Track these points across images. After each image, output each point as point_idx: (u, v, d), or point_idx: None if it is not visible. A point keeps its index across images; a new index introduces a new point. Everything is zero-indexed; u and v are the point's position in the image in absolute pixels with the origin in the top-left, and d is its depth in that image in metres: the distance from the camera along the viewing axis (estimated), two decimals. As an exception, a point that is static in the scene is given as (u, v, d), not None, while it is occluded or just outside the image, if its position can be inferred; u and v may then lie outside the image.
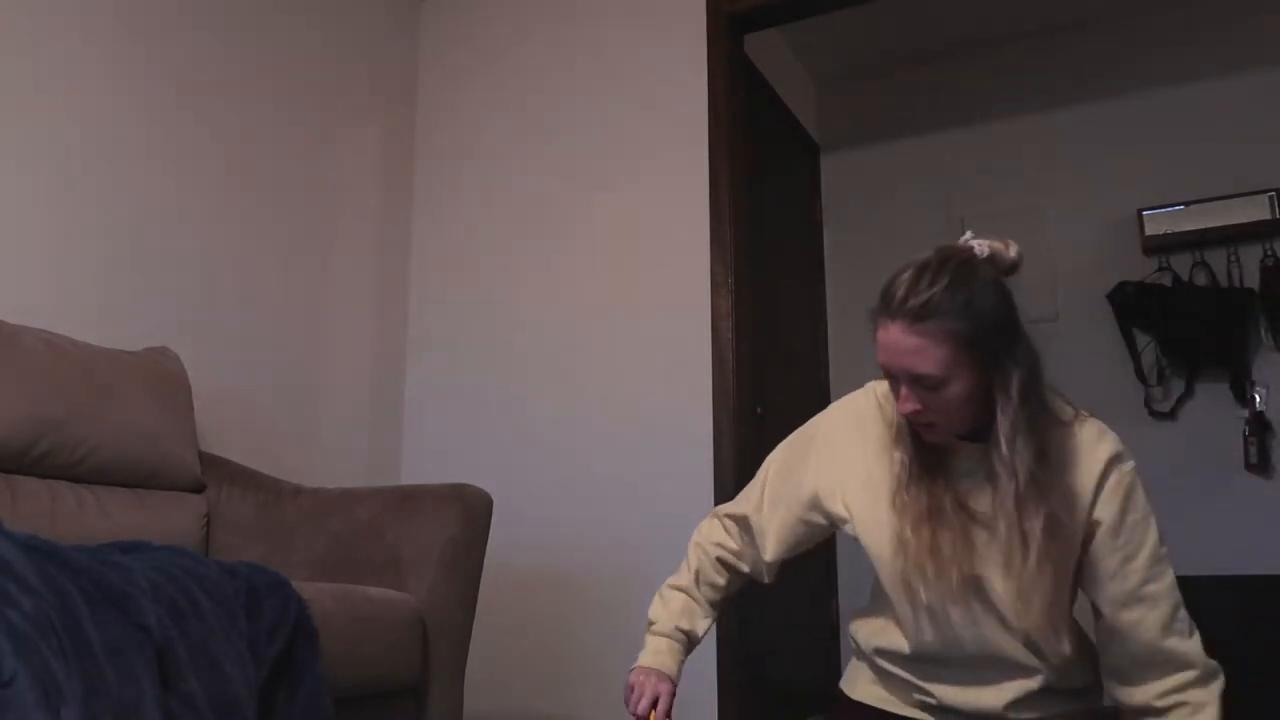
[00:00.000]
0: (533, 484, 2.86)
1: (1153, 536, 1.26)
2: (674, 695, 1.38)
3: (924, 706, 1.39)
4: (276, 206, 2.78)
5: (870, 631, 1.43)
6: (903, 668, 1.39)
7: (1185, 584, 2.65)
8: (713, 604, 1.46)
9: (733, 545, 1.47)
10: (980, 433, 1.25)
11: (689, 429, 2.68)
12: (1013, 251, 1.25)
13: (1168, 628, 1.25)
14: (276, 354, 2.74)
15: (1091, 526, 1.25)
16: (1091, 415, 1.31)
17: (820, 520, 1.41)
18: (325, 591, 1.65)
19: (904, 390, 1.21)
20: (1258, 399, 3.38)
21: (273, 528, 2.13)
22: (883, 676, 1.44)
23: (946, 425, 1.24)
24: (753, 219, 2.93)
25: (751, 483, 1.48)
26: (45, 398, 1.84)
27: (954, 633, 1.30)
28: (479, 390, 3.04)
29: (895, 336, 1.18)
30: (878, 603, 1.42)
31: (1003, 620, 1.28)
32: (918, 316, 1.17)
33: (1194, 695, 1.25)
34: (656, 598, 1.47)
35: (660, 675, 1.39)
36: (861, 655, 1.48)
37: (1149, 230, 3.62)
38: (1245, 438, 3.36)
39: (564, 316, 2.96)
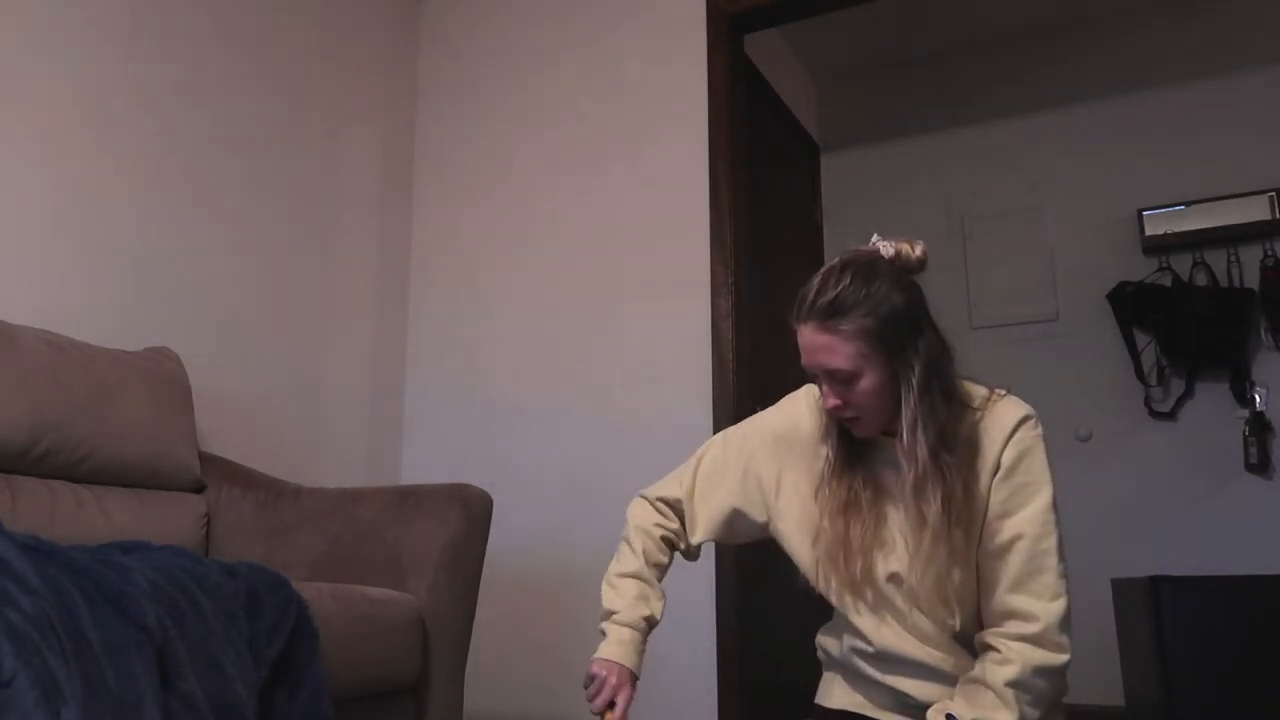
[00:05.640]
0: (533, 484, 2.85)
1: (1040, 501, 1.27)
2: (633, 695, 1.38)
3: (905, 708, 1.38)
4: (277, 206, 2.78)
5: (836, 638, 1.47)
6: (875, 667, 1.40)
7: (1187, 584, 2.66)
8: (660, 584, 1.49)
9: (673, 525, 1.50)
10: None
11: (689, 429, 2.68)
12: (918, 251, 1.32)
13: (1023, 583, 1.25)
14: (276, 354, 2.74)
15: (992, 481, 1.29)
16: (1009, 394, 1.34)
17: (754, 516, 1.45)
18: (325, 591, 1.65)
19: (824, 387, 1.30)
20: (1258, 399, 3.38)
21: (273, 528, 2.13)
22: (858, 682, 1.44)
23: (868, 419, 1.30)
24: (753, 219, 2.93)
25: (682, 467, 1.52)
26: (45, 398, 1.84)
27: (888, 629, 1.35)
28: (479, 390, 3.04)
29: (808, 336, 1.28)
30: (839, 613, 1.46)
31: (918, 618, 1.33)
32: (825, 315, 1.26)
33: (1012, 648, 1.24)
34: (607, 587, 1.47)
35: (623, 672, 1.38)
36: (833, 665, 1.50)
37: (1149, 230, 3.62)
38: (1245, 438, 3.36)
39: (564, 317, 2.95)
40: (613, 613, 1.43)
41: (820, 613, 1.49)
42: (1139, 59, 3.81)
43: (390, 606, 1.77)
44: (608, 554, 2.93)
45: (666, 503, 1.51)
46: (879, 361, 1.26)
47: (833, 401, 1.29)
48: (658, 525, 1.50)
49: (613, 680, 1.36)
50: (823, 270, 1.30)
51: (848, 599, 1.37)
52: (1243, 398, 3.41)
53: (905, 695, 1.37)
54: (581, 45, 3.11)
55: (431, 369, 3.14)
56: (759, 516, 1.45)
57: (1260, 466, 3.34)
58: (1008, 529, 1.27)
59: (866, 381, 1.26)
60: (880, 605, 1.35)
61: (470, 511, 1.97)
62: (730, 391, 2.66)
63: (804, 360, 1.30)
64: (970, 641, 1.33)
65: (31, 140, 2.17)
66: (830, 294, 1.26)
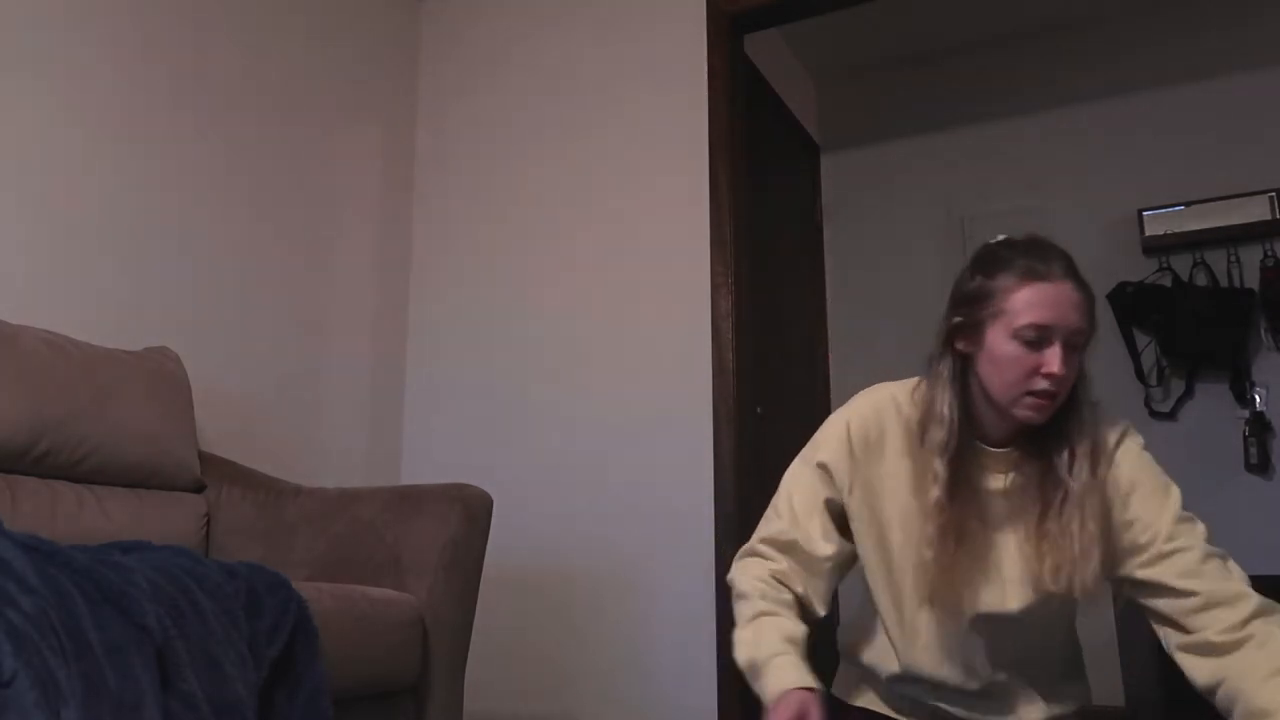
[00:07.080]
0: (533, 484, 2.85)
1: (1172, 505, 1.32)
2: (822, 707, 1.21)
3: (936, 716, 1.37)
4: (277, 207, 2.78)
5: (859, 643, 1.44)
6: (902, 683, 1.38)
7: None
8: (794, 612, 1.33)
9: (779, 566, 1.36)
10: (1011, 437, 1.30)
11: (689, 429, 2.68)
12: None
13: (1198, 568, 1.28)
14: (276, 354, 2.74)
15: (1110, 502, 1.30)
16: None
17: (838, 497, 1.37)
18: (325, 591, 1.65)
19: (1060, 352, 1.22)
20: (1258, 399, 3.38)
21: (273, 528, 2.13)
22: (879, 686, 1.43)
23: (1062, 397, 1.27)
24: (753, 219, 2.92)
25: (772, 505, 1.41)
26: (45, 398, 1.84)
27: (943, 655, 1.32)
28: (479, 390, 3.04)
29: (1068, 293, 1.23)
30: (865, 613, 1.42)
31: (1000, 644, 1.32)
32: (1079, 275, 1.25)
33: (1257, 628, 1.25)
34: (738, 645, 1.31)
35: (801, 691, 1.20)
36: (852, 665, 1.48)
37: (1149, 230, 3.62)
38: (1245, 438, 3.36)
39: (564, 316, 2.95)
40: (754, 661, 1.27)
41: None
42: (1139, 59, 3.80)
43: (390, 606, 1.77)
44: (607, 553, 2.94)
45: (769, 543, 1.37)
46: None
47: (1064, 370, 1.22)
48: (767, 568, 1.36)
49: (793, 698, 1.20)
50: (1040, 238, 1.30)
51: (924, 628, 1.32)
52: (1243, 398, 3.40)
53: (926, 706, 1.36)
54: (581, 45, 3.10)
55: (431, 369, 3.14)
56: (839, 496, 1.36)
57: (1260, 466, 3.34)
58: (1161, 537, 1.30)
59: (1086, 350, 1.26)
60: (944, 634, 1.31)
61: (470, 511, 1.97)
62: (730, 391, 2.66)
63: (1048, 316, 1.21)
64: (1018, 667, 1.33)
65: (29, 141, 2.17)
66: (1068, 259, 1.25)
